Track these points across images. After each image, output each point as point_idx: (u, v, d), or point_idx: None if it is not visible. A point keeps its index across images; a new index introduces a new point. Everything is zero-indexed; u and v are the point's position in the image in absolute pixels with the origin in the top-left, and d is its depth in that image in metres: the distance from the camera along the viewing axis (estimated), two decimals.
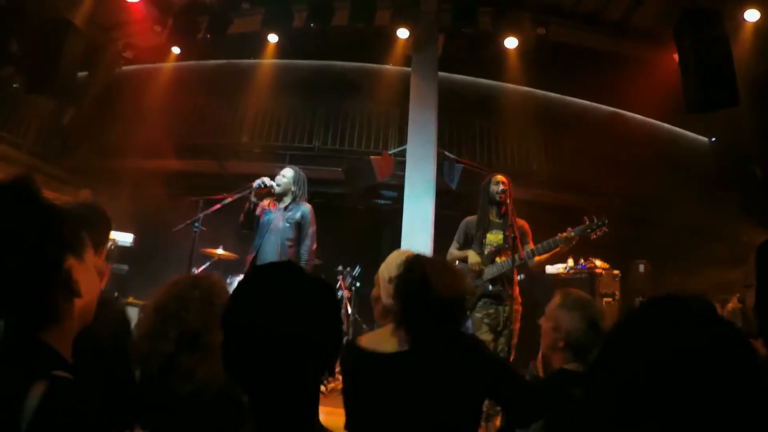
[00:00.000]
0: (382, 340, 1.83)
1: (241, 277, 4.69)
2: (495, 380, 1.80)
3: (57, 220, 1.03)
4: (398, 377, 1.73)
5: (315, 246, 4.40)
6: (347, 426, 1.79)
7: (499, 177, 4.18)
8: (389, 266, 1.89)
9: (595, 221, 3.98)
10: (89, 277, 1.08)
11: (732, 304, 2.61)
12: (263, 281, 1.05)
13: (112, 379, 1.83)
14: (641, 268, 6.34)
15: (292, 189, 4.40)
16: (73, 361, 1.03)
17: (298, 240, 4.33)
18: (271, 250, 4.27)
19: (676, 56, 5.93)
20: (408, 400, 1.69)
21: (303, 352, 0.98)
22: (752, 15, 6.18)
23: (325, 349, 1.03)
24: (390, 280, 1.83)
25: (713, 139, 9.12)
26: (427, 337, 1.75)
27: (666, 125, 9.24)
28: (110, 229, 2.21)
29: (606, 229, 3.96)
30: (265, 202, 4.46)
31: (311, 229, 4.35)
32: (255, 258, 4.33)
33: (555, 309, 2.14)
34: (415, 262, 1.83)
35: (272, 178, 4.44)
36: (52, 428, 0.86)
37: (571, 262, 5.76)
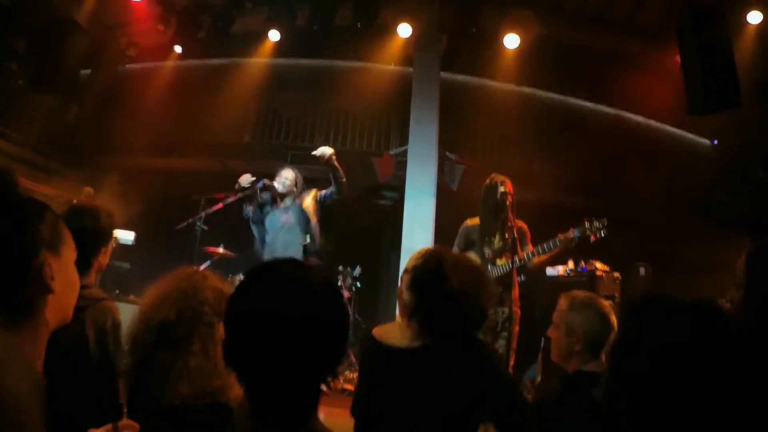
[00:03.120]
0: (394, 332, 1.82)
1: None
2: (497, 401, 1.74)
3: (32, 215, 1.01)
4: (406, 373, 1.71)
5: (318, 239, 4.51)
6: (353, 408, 1.81)
7: (502, 179, 4.17)
8: (410, 259, 1.87)
9: (594, 223, 3.98)
10: (66, 273, 1.05)
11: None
12: (270, 276, 1.04)
13: (94, 376, 1.84)
14: (642, 271, 6.32)
15: (294, 190, 4.49)
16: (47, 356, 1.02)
17: (306, 227, 4.47)
18: (278, 249, 4.39)
19: (678, 58, 5.92)
20: (411, 396, 1.68)
21: (307, 351, 0.97)
22: (755, 17, 6.15)
23: (329, 350, 1.02)
24: (407, 270, 1.82)
25: (715, 141, 9.09)
26: (439, 332, 1.71)
27: (668, 128, 9.22)
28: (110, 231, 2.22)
29: (605, 231, 3.96)
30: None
31: (314, 221, 4.48)
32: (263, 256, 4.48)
33: (565, 314, 2.11)
34: (433, 254, 1.82)
35: (271, 179, 4.52)
36: None
37: (571, 264, 5.75)
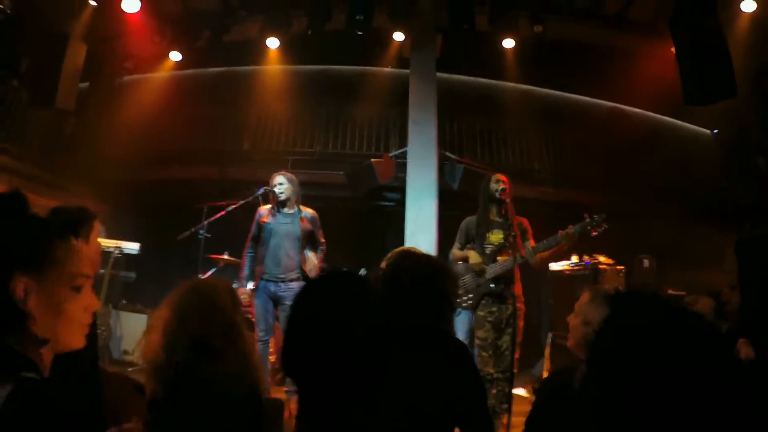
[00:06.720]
0: None
1: (249, 284, 4.79)
2: (466, 405, 1.82)
3: (11, 233, 0.97)
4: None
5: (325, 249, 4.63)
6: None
7: (499, 176, 4.20)
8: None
9: (595, 218, 3.99)
10: (52, 296, 1.00)
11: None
12: (331, 288, 1.11)
13: (83, 383, 1.84)
14: (645, 263, 6.33)
15: (292, 195, 4.53)
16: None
17: (306, 244, 4.55)
18: (281, 255, 4.44)
19: (673, 49, 5.92)
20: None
21: (365, 359, 1.03)
22: (749, 6, 6.15)
23: (380, 357, 1.07)
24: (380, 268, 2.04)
25: (716, 131, 9.09)
26: (408, 323, 1.81)
27: (668, 119, 9.22)
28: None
29: (606, 226, 3.97)
30: (264, 214, 4.54)
31: (320, 232, 4.63)
32: (265, 265, 4.46)
33: (585, 305, 2.20)
34: (395, 255, 2.01)
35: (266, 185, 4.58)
36: (16, 428, 0.86)
37: (575, 258, 5.76)
